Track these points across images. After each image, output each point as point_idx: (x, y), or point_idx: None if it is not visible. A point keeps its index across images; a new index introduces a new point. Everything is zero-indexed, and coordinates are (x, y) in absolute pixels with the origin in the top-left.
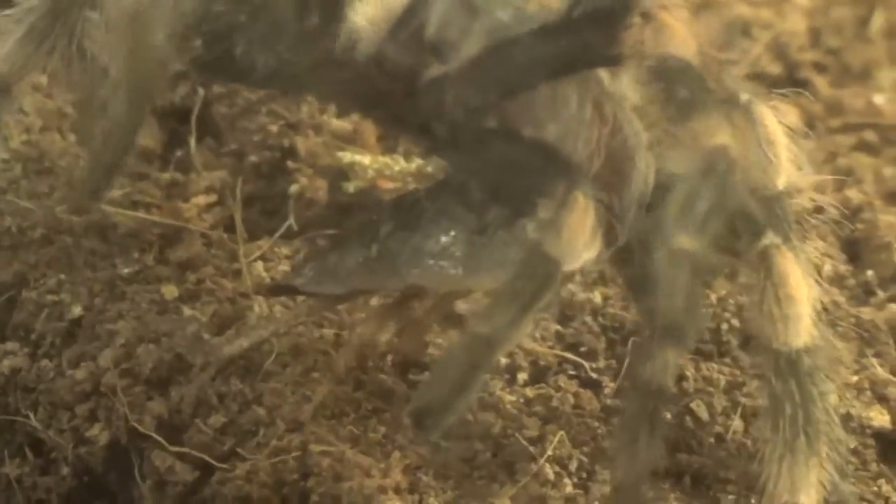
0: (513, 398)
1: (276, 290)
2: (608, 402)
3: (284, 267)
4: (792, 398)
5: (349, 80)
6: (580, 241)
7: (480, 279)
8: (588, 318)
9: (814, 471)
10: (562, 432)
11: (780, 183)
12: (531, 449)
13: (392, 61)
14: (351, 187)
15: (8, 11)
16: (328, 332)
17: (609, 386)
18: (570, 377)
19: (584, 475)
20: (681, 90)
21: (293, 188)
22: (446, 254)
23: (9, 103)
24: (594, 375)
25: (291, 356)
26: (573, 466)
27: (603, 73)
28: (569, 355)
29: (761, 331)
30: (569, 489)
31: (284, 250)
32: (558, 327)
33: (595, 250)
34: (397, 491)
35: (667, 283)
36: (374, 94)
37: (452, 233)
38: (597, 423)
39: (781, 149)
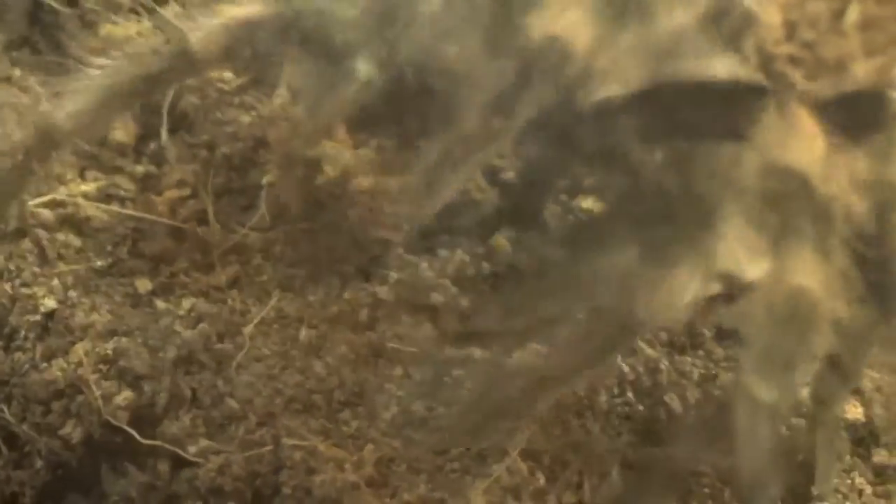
0: None
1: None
2: (581, 394)
3: (258, 260)
4: None
5: None
6: None
7: None
8: None
9: None
10: (535, 425)
11: None
12: (504, 442)
13: None
14: (324, 178)
15: None
16: (301, 326)
17: None
18: None
19: (557, 469)
20: None
21: (266, 179)
22: None
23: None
24: None
25: (264, 349)
26: (546, 460)
27: None
28: None
29: None
30: (541, 483)
31: (258, 243)
32: None
33: None
34: (370, 484)
35: None
36: None
37: None
38: (571, 417)
39: None
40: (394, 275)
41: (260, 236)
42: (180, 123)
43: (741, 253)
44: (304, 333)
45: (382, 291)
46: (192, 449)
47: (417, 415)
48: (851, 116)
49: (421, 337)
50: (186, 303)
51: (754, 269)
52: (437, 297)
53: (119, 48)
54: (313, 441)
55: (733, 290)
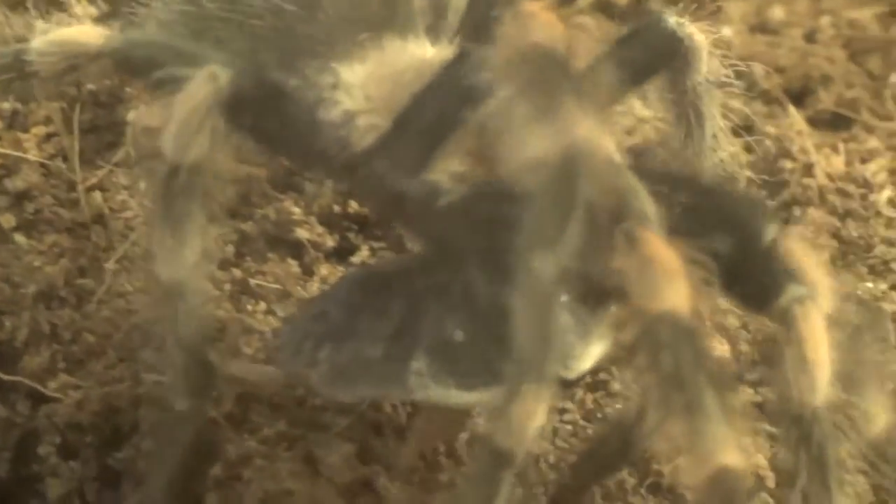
0: None
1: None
2: None
3: (122, 196)
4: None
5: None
6: (532, 426)
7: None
8: None
9: None
10: None
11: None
12: None
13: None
14: None
15: None
16: None
17: None
18: None
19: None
20: (676, 382)
21: (131, 115)
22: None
23: None
24: None
25: (126, 285)
26: None
27: None
28: None
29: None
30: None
31: (123, 179)
32: None
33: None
34: (229, 420)
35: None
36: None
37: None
38: None
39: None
40: (259, 211)
41: (126, 172)
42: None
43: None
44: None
45: (248, 227)
46: (52, 384)
47: None
48: None
49: (285, 274)
50: (49, 238)
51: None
52: (302, 234)
53: None
54: (162, 359)
55: None
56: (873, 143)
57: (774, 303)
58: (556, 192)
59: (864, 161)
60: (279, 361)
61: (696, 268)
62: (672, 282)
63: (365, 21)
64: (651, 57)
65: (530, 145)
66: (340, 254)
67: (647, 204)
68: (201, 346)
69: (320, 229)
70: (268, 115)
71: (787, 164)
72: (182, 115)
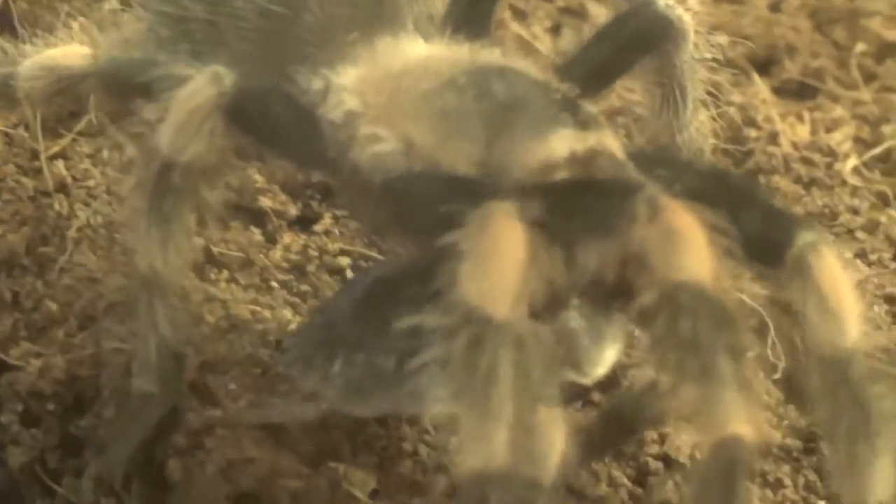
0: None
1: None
2: None
3: (85, 165)
4: (850, 407)
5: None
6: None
7: None
8: None
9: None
10: None
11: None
12: None
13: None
14: None
15: None
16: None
17: None
18: None
19: None
20: (694, 349)
21: None
22: None
23: None
24: None
25: (88, 254)
26: None
27: None
28: (371, 253)
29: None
30: None
31: (85, 148)
32: None
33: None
34: (192, 388)
35: None
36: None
37: None
38: None
39: (845, 311)
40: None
41: (88, 141)
42: (5, 26)
43: None
44: (127, 233)
45: (211, 195)
46: (14, 352)
47: (242, 318)
48: None
49: (248, 242)
50: (11, 207)
51: None
52: (265, 202)
53: None
54: (133, 341)
55: None
56: (838, 112)
57: (787, 253)
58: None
59: (829, 130)
60: (290, 377)
61: (718, 236)
62: (695, 251)
63: (353, 20)
64: (641, 39)
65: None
66: (303, 222)
67: None
68: (175, 340)
69: (283, 198)
70: (268, 117)
71: (752, 133)
72: (182, 114)
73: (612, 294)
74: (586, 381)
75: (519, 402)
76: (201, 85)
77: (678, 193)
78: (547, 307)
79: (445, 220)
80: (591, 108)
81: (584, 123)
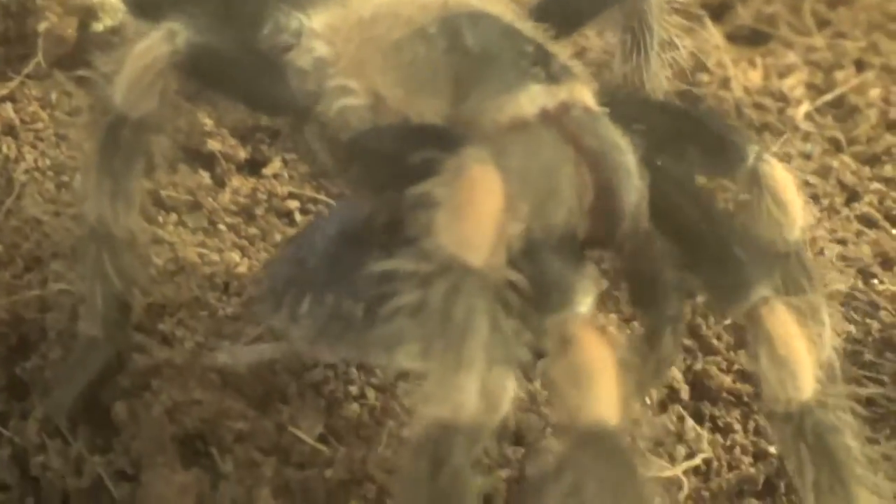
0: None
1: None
2: None
3: (33, 108)
4: (810, 460)
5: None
6: (487, 227)
7: None
8: None
9: None
10: None
11: (794, 234)
12: None
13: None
14: (100, 26)
15: None
16: (76, 174)
17: None
18: None
19: None
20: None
21: (42, 26)
22: None
23: None
24: None
25: (36, 196)
26: None
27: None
28: (320, 196)
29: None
30: None
31: (34, 91)
32: None
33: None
34: (139, 329)
35: None
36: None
37: None
38: None
39: (792, 204)
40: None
41: (37, 84)
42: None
43: None
44: (77, 180)
45: (159, 138)
46: None
47: (189, 260)
48: None
49: (196, 185)
50: None
51: None
52: (214, 145)
53: None
54: (80, 286)
55: None
56: (791, 58)
57: (742, 304)
58: None
59: (781, 76)
60: (259, 313)
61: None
62: (602, 390)
63: None
64: None
65: None
66: (252, 166)
67: (629, 159)
68: (123, 289)
69: (232, 141)
70: (229, 69)
71: (705, 78)
72: (135, 70)
73: (580, 247)
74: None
75: (490, 353)
76: (155, 42)
77: (647, 135)
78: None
79: (415, 172)
80: (563, 58)
81: (555, 77)
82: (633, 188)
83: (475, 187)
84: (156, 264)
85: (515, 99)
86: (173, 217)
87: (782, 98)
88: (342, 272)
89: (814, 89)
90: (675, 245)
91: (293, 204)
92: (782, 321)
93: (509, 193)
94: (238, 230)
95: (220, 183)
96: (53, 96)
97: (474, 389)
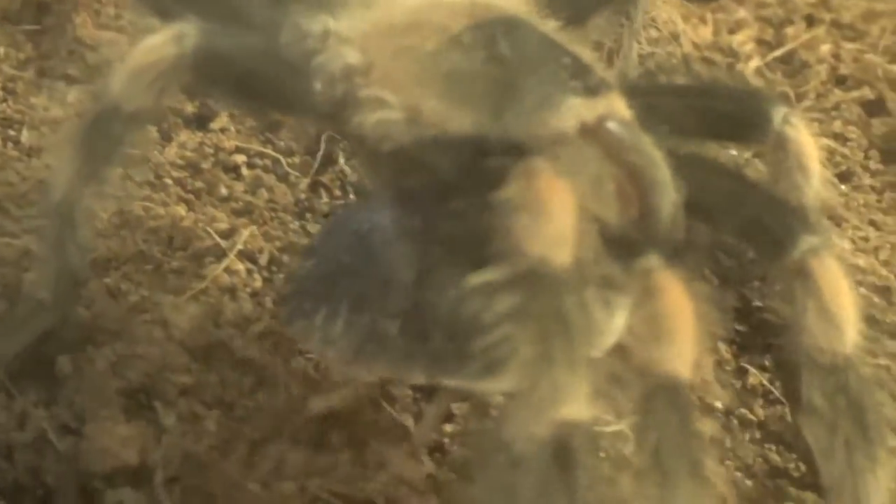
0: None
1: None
2: (302, 196)
3: None
4: (848, 414)
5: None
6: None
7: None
8: None
9: (877, 481)
10: (253, 227)
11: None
12: (222, 243)
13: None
14: None
15: None
16: (22, 128)
17: (304, 181)
18: (267, 171)
19: (275, 269)
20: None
21: None
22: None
23: None
24: (289, 170)
25: None
26: (263, 261)
27: None
28: (267, 150)
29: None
30: (258, 284)
31: None
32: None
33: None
34: (83, 282)
35: None
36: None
37: None
38: (290, 218)
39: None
40: None
41: None
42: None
43: None
44: (24, 135)
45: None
46: None
47: (135, 214)
48: None
49: (143, 139)
50: None
51: None
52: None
53: None
54: (25, 240)
55: None
56: (741, 13)
57: (789, 255)
58: None
59: (731, 31)
60: (291, 331)
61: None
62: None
63: None
64: None
65: None
66: (199, 120)
67: (663, 172)
68: (79, 263)
69: (180, 95)
70: (242, 75)
71: (653, 34)
72: (138, 66)
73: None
74: (598, 353)
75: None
76: (162, 41)
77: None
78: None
79: (468, 182)
80: (599, 70)
81: (593, 90)
82: (670, 202)
83: (552, 190)
84: (101, 218)
85: (557, 113)
86: (119, 171)
87: (732, 54)
88: (375, 286)
89: (764, 45)
90: (717, 219)
91: (240, 158)
92: (832, 273)
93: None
94: (184, 184)
95: (166, 137)
96: (1, 50)
97: (585, 387)
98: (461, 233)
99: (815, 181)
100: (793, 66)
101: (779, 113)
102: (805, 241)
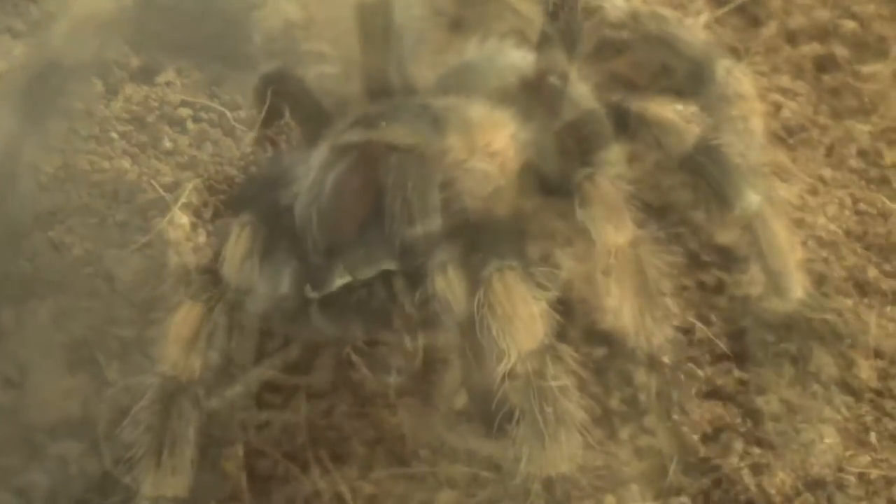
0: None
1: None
2: (247, 150)
3: None
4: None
5: None
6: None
7: None
8: None
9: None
10: (198, 180)
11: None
12: (166, 196)
13: None
14: None
15: None
16: None
17: (249, 135)
18: (213, 125)
19: (220, 224)
20: None
21: None
22: None
23: None
24: (235, 124)
25: None
26: (208, 214)
27: None
28: (213, 104)
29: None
30: (202, 238)
31: None
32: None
33: None
34: (25, 236)
35: None
36: None
37: None
38: (235, 172)
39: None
40: None
41: None
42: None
43: None
44: None
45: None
46: None
47: (80, 168)
48: None
49: (89, 93)
50: None
51: None
52: (107, 54)
53: None
54: None
55: None
56: None
57: (733, 211)
58: None
59: None
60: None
61: None
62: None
63: None
64: None
65: None
66: (145, 73)
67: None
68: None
69: (125, 49)
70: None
71: None
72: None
73: None
74: None
75: None
76: None
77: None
78: None
79: None
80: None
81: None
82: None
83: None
84: (45, 171)
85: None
86: (64, 125)
87: (681, 7)
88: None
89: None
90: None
91: (185, 112)
92: (776, 229)
93: None
94: (129, 138)
95: (112, 91)
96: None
97: None
98: None
99: (758, 135)
100: (743, 20)
101: (722, 66)
102: (748, 197)
